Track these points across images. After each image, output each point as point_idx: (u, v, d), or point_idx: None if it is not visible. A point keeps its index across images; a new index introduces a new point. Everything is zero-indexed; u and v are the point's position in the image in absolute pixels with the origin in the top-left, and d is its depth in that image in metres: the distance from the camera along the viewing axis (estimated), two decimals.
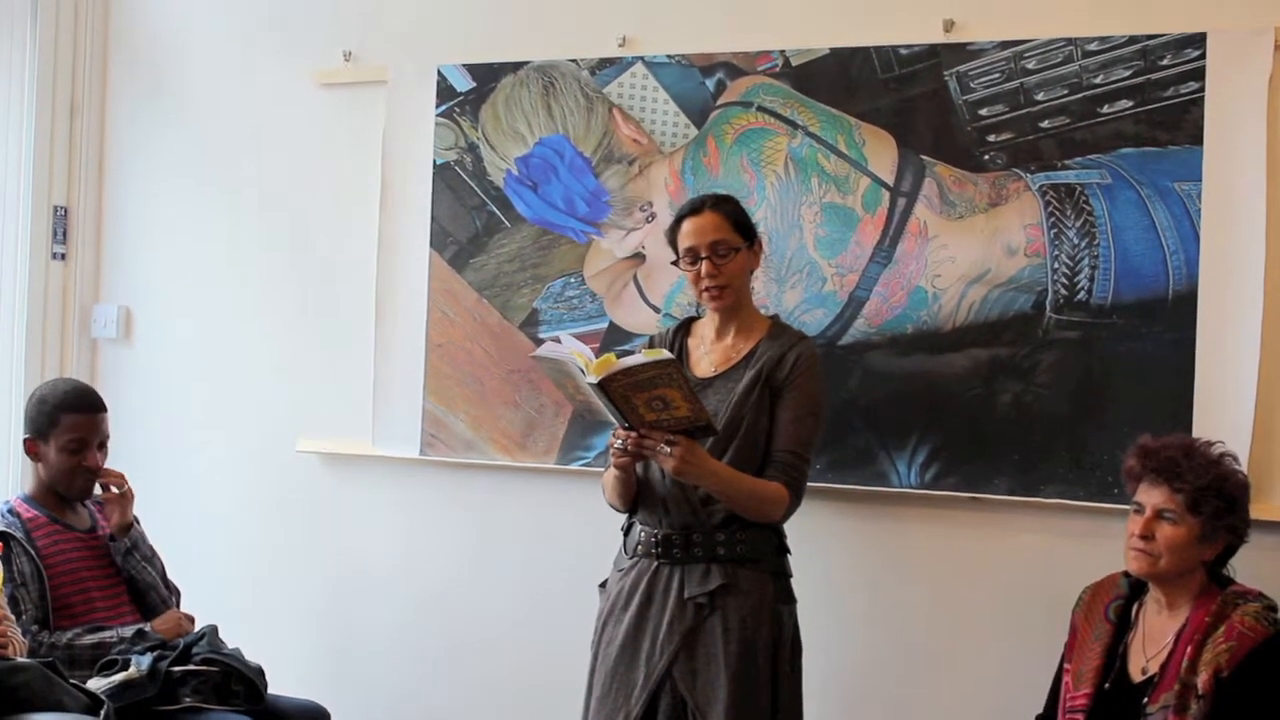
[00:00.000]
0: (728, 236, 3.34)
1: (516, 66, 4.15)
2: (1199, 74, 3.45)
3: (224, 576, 4.50)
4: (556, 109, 4.11)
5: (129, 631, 3.56)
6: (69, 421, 3.70)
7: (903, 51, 3.73)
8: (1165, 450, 3.03)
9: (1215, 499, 2.94)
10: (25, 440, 3.73)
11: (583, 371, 3.02)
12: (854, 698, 3.85)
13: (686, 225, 3.37)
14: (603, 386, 2.99)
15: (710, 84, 3.94)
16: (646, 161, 4.01)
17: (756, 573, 3.27)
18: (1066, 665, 3.19)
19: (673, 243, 3.42)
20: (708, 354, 3.43)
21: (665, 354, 2.99)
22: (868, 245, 3.76)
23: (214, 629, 3.61)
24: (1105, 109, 3.55)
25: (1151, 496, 3.01)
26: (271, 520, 4.56)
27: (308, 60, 4.47)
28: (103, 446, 3.77)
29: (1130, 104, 3.53)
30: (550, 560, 4.17)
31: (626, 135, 4.03)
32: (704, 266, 3.32)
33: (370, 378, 4.33)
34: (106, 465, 3.78)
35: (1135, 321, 3.51)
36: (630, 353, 3.61)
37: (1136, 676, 3.02)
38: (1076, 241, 3.56)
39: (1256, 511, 3.15)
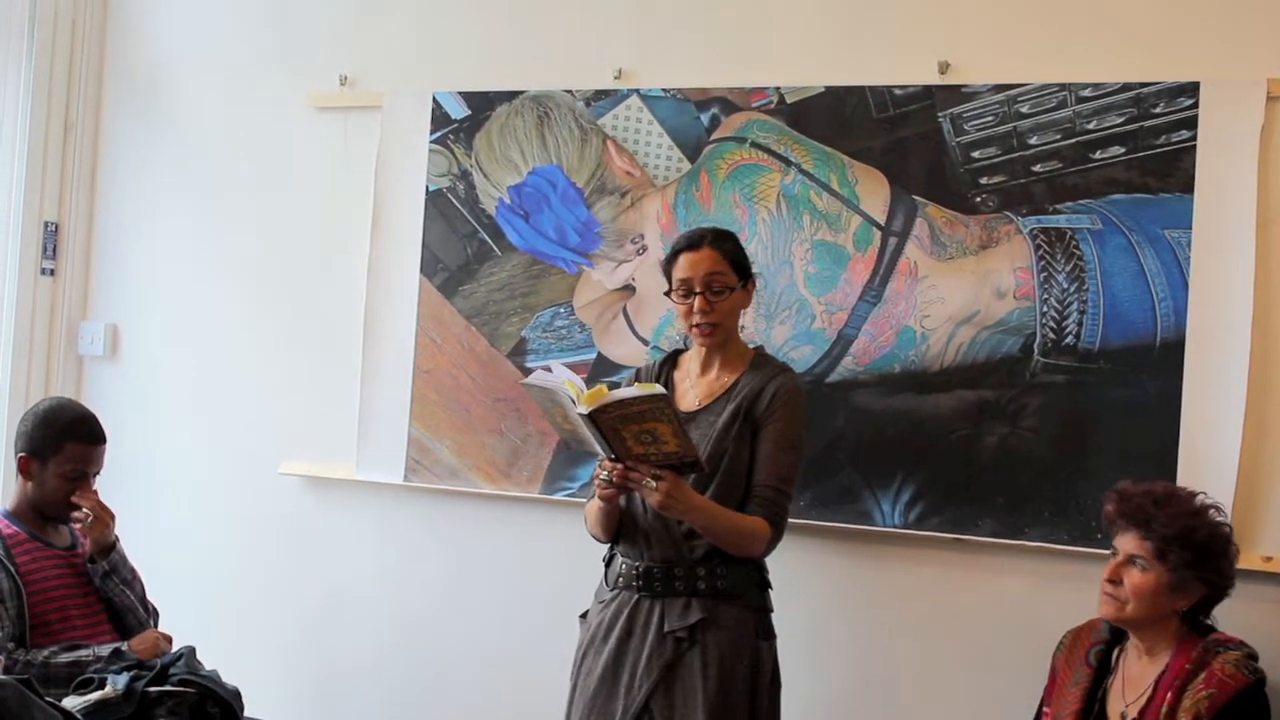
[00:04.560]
0: (724, 273, 3.33)
1: (512, 95, 4.16)
2: (1191, 123, 3.47)
3: (203, 597, 4.47)
4: (550, 139, 4.12)
5: (106, 650, 3.53)
6: (74, 451, 3.68)
7: (897, 92, 3.75)
8: (1139, 497, 3.03)
9: (1182, 550, 2.93)
10: (20, 457, 3.69)
11: (573, 401, 3.02)
12: None
13: (684, 258, 3.36)
14: (593, 418, 2.99)
15: (705, 119, 3.95)
16: (639, 194, 4.01)
17: (737, 608, 3.27)
18: (1045, 709, 3.19)
19: (667, 274, 3.41)
20: (693, 387, 3.42)
21: (658, 388, 2.98)
22: (858, 284, 3.77)
23: (192, 650, 3.58)
24: (1098, 155, 3.56)
25: (1124, 542, 3.02)
26: (252, 542, 4.54)
27: (303, 83, 4.47)
28: (96, 475, 3.76)
29: (1123, 150, 3.54)
30: (532, 590, 4.16)
31: (620, 167, 4.04)
32: (697, 302, 3.32)
33: (356, 402, 4.32)
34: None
35: (1122, 367, 3.52)
36: (617, 385, 3.62)
37: None
38: (1066, 286, 3.57)
39: (1238, 561, 3.14)
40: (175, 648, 3.64)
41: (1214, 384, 3.44)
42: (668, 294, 3.42)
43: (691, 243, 3.38)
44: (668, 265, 3.42)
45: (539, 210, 4.13)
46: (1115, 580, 2.99)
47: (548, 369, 4.05)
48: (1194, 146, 3.47)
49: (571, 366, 4.03)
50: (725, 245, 3.38)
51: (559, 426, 4.08)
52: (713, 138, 3.94)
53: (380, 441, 4.29)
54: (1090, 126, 3.57)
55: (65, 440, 3.68)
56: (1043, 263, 3.60)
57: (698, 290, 3.32)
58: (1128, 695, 3.03)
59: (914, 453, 3.70)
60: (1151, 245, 3.51)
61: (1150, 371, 3.49)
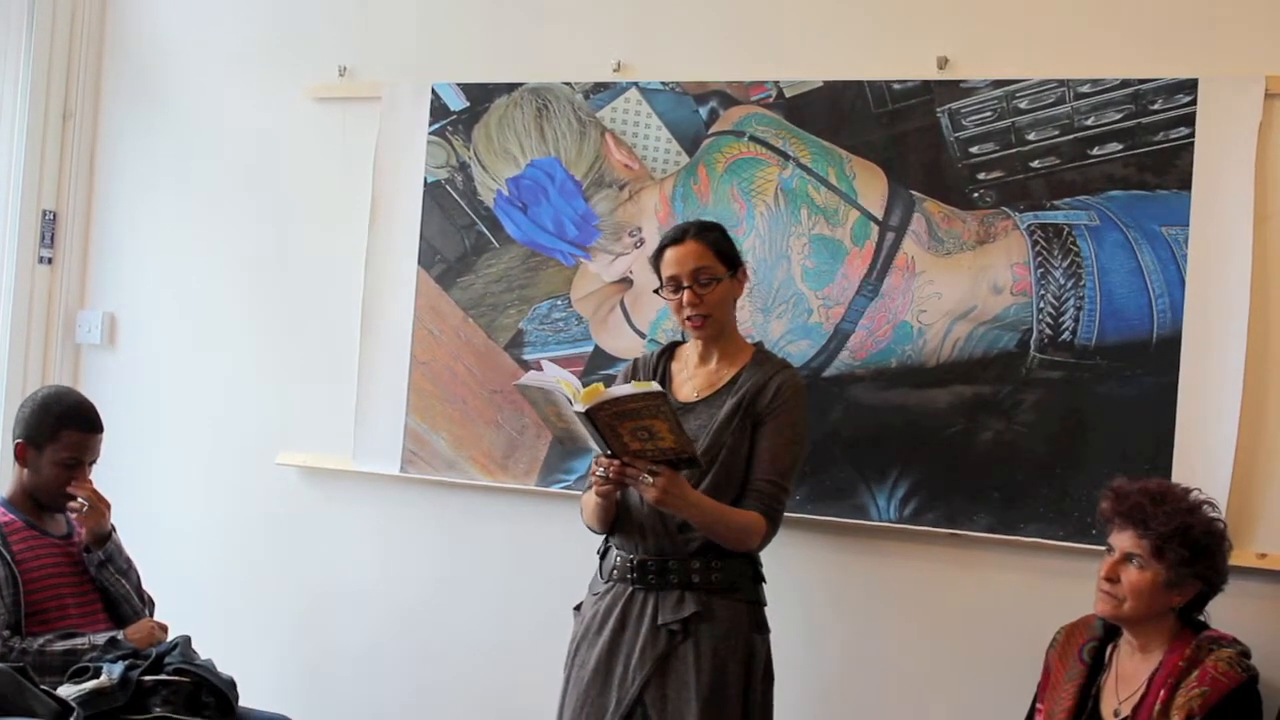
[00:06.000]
0: (710, 265, 3.33)
1: (511, 88, 4.16)
2: (1189, 119, 3.46)
3: (199, 586, 4.47)
4: (549, 131, 4.11)
5: (101, 639, 3.54)
6: (70, 438, 3.68)
7: (896, 87, 3.74)
8: (1136, 494, 3.03)
9: (1179, 547, 2.93)
10: (17, 444, 3.70)
11: (569, 400, 3.02)
12: None
13: (669, 254, 3.37)
14: (590, 415, 2.99)
15: (703, 112, 3.95)
16: (637, 187, 4.01)
17: (731, 601, 3.27)
18: (1039, 705, 3.19)
19: (656, 270, 3.42)
20: (690, 379, 3.43)
21: (654, 386, 3.00)
22: (855, 278, 3.77)
23: (187, 639, 3.59)
24: (1095, 151, 3.56)
25: (1120, 540, 3.02)
26: (249, 532, 4.54)
27: (302, 74, 4.47)
28: (92, 464, 3.76)
29: (1120, 147, 3.54)
30: (526, 581, 4.16)
31: (618, 160, 4.03)
32: (686, 295, 3.32)
33: (353, 393, 4.32)
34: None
35: (1118, 363, 3.52)
36: (613, 378, 3.63)
37: (1109, 718, 3.02)
38: (1063, 282, 3.57)
39: (1232, 557, 3.15)
40: (170, 637, 3.65)
41: (1210, 381, 3.44)
42: (658, 291, 3.43)
43: (676, 237, 3.39)
44: (655, 261, 3.43)
45: (537, 202, 4.12)
46: (1112, 578, 3.00)
47: (539, 367, 4.05)
48: (1192, 143, 3.46)
49: (568, 359, 4.03)
50: (710, 236, 3.38)
51: (552, 424, 4.08)
52: (711, 131, 3.94)
53: (377, 432, 4.29)
54: (1088, 122, 3.57)
55: (62, 428, 3.68)
56: (1040, 258, 3.60)
57: (685, 284, 3.32)
58: (1121, 692, 3.04)
59: (910, 448, 3.70)
60: (1149, 242, 3.51)
61: (1146, 368, 3.49)
